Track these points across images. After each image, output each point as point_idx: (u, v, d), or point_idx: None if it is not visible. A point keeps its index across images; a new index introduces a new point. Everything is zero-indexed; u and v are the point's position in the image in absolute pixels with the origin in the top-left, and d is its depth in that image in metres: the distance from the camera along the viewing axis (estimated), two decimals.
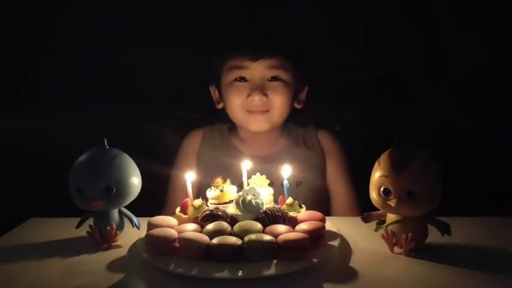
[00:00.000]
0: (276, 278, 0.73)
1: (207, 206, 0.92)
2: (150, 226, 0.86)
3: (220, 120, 1.29)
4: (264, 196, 0.92)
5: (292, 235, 0.79)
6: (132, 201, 0.90)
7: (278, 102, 1.18)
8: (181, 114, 1.38)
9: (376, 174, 0.80)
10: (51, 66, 1.34)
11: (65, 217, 0.98)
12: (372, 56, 1.31)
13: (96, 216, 0.89)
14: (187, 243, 0.79)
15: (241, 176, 0.98)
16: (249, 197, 0.88)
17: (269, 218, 0.86)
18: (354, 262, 0.80)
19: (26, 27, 1.32)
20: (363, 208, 0.96)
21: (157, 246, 0.80)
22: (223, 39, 1.25)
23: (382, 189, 0.79)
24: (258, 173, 0.98)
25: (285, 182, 0.95)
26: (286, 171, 0.97)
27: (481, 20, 1.27)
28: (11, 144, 1.33)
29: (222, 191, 0.93)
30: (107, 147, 0.88)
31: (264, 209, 0.88)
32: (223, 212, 0.88)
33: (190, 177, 0.95)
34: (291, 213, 0.89)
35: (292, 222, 0.86)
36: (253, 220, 0.85)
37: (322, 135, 1.26)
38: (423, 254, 0.80)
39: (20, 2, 1.32)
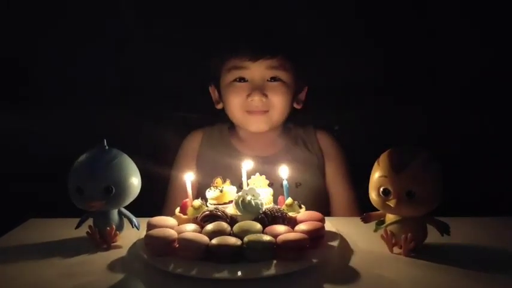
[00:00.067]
0: (275, 278, 0.73)
1: (207, 206, 0.92)
2: (150, 226, 0.86)
3: (219, 121, 1.29)
4: (264, 196, 0.92)
5: (292, 235, 0.79)
6: (132, 201, 0.90)
7: (278, 103, 1.18)
8: (181, 114, 1.38)
9: (376, 175, 0.80)
10: (51, 66, 1.34)
11: (65, 217, 0.98)
12: (372, 56, 1.31)
13: (96, 216, 0.89)
14: (187, 243, 0.79)
15: (241, 177, 0.98)
16: (248, 198, 0.88)
17: (268, 218, 0.86)
18: (354, 262, 0.80)
19: (26, 27, 1.32)
20: (363, 208, 0.96)
21: (157, 246, 0.80)
22: (223, 39, 1.25)
23: (381, 189, 0.79)
24: (257, 174, 0.98)
25: (285, 183, 0.95)
26: (284, 171, 0.97)
27: (481, 20, 1.26)
28: (11, 144, 1.33)
29: (221, 191, 0.93)
30: (107, 147, 0.88)
31: (263, 209, 0.88)
32: (223, 212, 0.88)
33: (189, 177, 0.95)
34: (291, 214, 0.89)
35: (292, 223, 0.86)
36: (252, 220, 0.85)
37: (321, 137, 1.27)
38: (423, 255, 0.80)
39: (20, 2, 1.32)
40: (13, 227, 1.01)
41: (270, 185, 0.99)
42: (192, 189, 0.95)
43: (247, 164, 0.99)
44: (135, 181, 0.88)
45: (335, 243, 0.83)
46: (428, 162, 0.78)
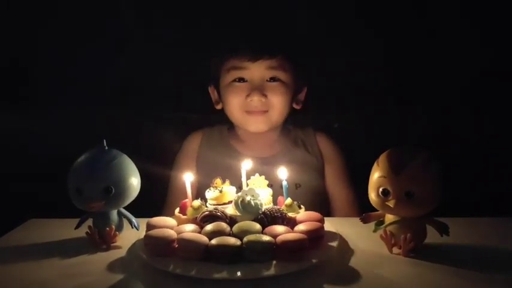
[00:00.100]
0: (275, 278, 0.73)
1: (206, 206, 0.92)
2: (149, 227, 0.86)
3: (219, 121, 1.29)
4: (263, 197, 0.92)
5: (291, 236, 0.79)
6: (132, 202, 0.90)
7: (277, 103, 1.18)
8: (181, 115, 1.38)
9: (375, 175, 0.80)
10: (51, 66, 1.34)
11: (64, 218, 0.98)
12: (372, 56, 1.31)
13: (96, 217, 0.89)
14: (187, 243, 0.79)
15: (241, 177, 0.98)
16: (248, 198, 0.88)
17: (268, 218, 0.86)
18: (353, 263, 0.80)
19: (26, 27, 1.32)
20: (362, 209, 0.96)
21: (157, 246, 0.80)
22: (222, 39, 1.25)
23: (380, 189, 0.79)
24: (257, 174, 0.98)
25: (284, 183, 0.95)
26: (282, 173, 0.97)
27: (481, 20, 1.26)
28: (11, 144, 1.33)
29: (221, 191, 0.94)
30: (106, 147, 0.89)
31: (262, 209, 0.88)
32: (222, 212, 0.88)
33: (189, 178, 0.95)
34: (290, 214, 0.89)
35: (291, 223, 0.86)
36: (252, 221, 0.85)
37: (321, 139, 1.27)
38: (422, 255, 0.80)
39: (20, 2, 1.32)
40: (13, 227, 1.01)
41: (270, 185, 0.99)
42: (191, 189, 0.95)
43: (246, 164, 0.99)
44: (134, 181, 0.88)
45: (334, 244, 0.83)
46: (428, 162, 0.78)
